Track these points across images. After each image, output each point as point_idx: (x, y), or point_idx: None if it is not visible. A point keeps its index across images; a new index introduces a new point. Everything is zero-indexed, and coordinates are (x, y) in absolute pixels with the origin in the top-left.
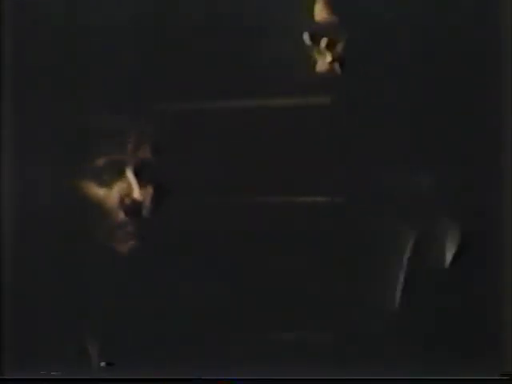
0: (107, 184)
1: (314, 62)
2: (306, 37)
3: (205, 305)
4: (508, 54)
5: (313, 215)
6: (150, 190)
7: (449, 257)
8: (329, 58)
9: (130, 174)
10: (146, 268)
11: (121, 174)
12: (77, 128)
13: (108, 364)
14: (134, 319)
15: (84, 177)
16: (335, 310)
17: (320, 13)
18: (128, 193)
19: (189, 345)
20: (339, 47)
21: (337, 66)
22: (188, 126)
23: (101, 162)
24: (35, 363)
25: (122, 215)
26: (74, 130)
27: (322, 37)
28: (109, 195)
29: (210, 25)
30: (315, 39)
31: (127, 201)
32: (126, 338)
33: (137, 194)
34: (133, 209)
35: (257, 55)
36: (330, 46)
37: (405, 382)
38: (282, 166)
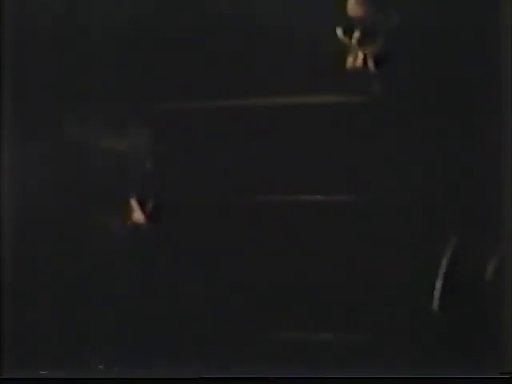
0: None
1: (345, 59)
2: (339, 32)
3: (205, 305)
4: (508, 53)
5: (314, 214)
6: (149, 205)
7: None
8: (361, 55)
9: (133, 202)
10: (147, 268)
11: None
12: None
13: (106, 367)
14: (133, 319)
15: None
16: (335, 310)
17: (353, 8)
18: (129, 215)
19: (189, 345)
20: (375, 44)
21: (371, 63)
22: (188, 126)
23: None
24: (35, 363)
25: (123, 235)
26: (74, 129)
27: (355, 32)
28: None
29: (211, 25)
30: (349, 35)
31: (129, 223)
32: (126, 337)
33: (138, 215)
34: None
35: (271, 53)
36: (363, 43)
37: (405, 381)
38: (282, 165)
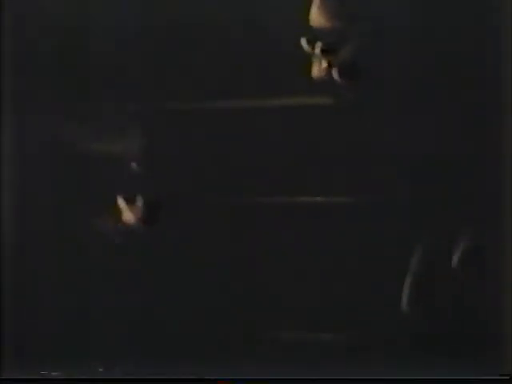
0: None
1: (311, 67)
2: (303, 42)
3: (204, 305)
4: (508, 54)
5: (314, 215)
6: (139, 206)
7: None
8: (324, 64)
9: (120, 201)
10: (147, 268)
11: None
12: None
13: (106, 368)
14: (133, 319)
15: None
16: (335, 310)
17: (315, 18)
18: (119, 217)
19: (189, 345)
20: (339, 53)
21: (335, 71)
22: (187, 126)
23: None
24: (35, 363)
25: (123, 236)
26: (74, 132)
27: (318, 42)
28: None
29: (211, 25)
30: (312, 44)
31: (119, 225)
32: (126, 337)
33: (128, 216)
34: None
35: (256, 56)
36: (327, 52)
37: (405, 381)
38: (282, 166)
